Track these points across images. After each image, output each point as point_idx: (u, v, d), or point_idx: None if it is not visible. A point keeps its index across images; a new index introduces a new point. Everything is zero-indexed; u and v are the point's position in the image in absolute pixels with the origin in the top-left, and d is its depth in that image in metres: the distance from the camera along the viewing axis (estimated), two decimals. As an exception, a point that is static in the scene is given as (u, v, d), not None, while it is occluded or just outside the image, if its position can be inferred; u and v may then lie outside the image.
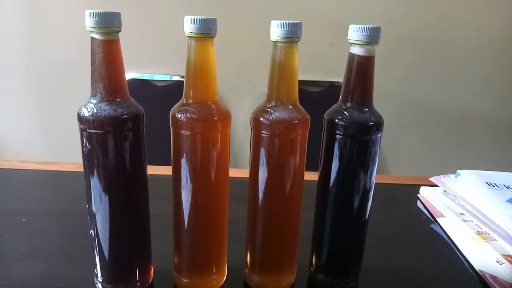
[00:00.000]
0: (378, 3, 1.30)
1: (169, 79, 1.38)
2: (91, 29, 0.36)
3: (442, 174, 0.72)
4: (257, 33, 1.34)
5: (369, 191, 0.43)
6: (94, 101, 0.38)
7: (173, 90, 1.40)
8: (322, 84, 1.38)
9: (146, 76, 1.38)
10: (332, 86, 1.38)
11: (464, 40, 1.35)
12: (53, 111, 1.44)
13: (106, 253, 0.43)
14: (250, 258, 0.47)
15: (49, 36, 1.35)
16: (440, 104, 1.43)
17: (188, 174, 0.41)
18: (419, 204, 0.71)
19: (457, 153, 1.48)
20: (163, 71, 1.38)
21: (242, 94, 1.39)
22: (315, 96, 1.34)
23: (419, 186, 0.74)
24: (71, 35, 1.33)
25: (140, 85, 1.37)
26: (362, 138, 0.40)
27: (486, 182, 0.65)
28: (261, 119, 0.40)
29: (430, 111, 1.44)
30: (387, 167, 1.49)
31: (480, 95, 1.41)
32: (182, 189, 0.42)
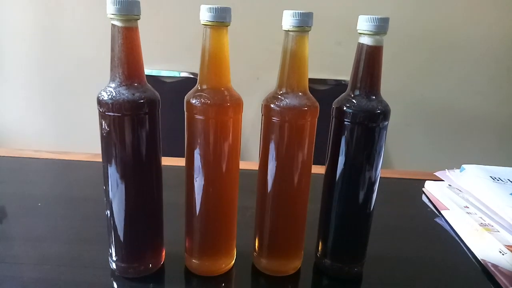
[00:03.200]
0: (386, 3, 1.32)
1: (178, 75, 1.40)
2: (112, 16, 0.38)
3: (447, 169, 0.73)
4: (266, 31, 1.36)
5: (375, 178, 0.45)
6: (113, 85, 0.40)
7: (182, 86, 1.42)
8: (329, 83, 1.40)
9: (154, 72, 1.40)
10: (339, 85, 1.40)
11: (471, 41, 1.36)
12: (65, 102, 1.47)
13: (120, 233, 0.44)
14: (259, 242, 0.49)
15: (62, 29, 1.38)
16: (446, 105, 1.44)
17: (200, 157, 0.42)
18: (424, 197, 0.72)
19: (462, 153, 1.49)
20: (172, 67, 1.40)
21: (250, 91, 1.40)
22: (322, 94, 1.35)
23: (424, 180, 0.75)
24: (84, 27, 1.35)
25: (149, 81, 1.37)
26: (369, 125, 0.42)
27: (491, 176, 0.66)
28: (271, 105, 0.42)
29: (436, 111, 1.45)
30: (393, 164, 1.49)
31: (487, 95, 1.42)
32: (194, 173, 0.43)
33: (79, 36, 1.37)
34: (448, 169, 0.73)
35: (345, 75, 1.38)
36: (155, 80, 1.40)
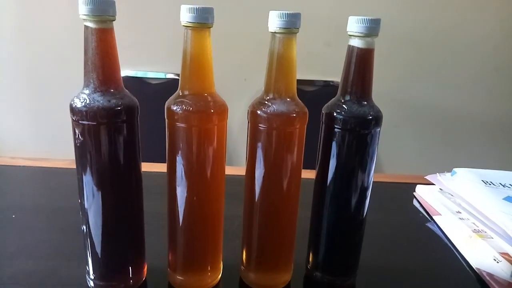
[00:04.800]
0: (374, 3, 1.31)
1: (164, 77, 1.37)
2: (84, 17, 0.35)
3: (438, 173, 0.71)
4: (252, 32, 1.34)
5: (367, 187, 0.43)
6: (87, 91, 0.37)
7: (168, 88, 1.39)
8: (318, 84, 1.38)
9: (139, 74, 1.37)
10: (328, 86, 1.38)
11: (458, 40, 1.36)
12: (44, 106, 1.42)
13: (98, 249, 0.41)
14: (246, 255, 0.46)
15: (40, 29, 1.33)
16: (435, 104, 1.44)
17: (183, 168, 0.40)
18: (415, 202, 0.71)
19: (451, 153, 1.49)
20: (157, 68, 1.37)
21: (237, 92, 1.38)
22: (311, 95, 1.34)
23: (415, 184, 0.74)
24: (62, 28, 1.31)
25: (134, 82, 1.36)
26: (361, 132, 0.40)
27: (483, 180, 0.65)
28: (258, 112, 0.39)
29: (424, 111, 1.45)
30: (382, 167, 1.49)
31: (475, 95, 1.42)
32: (177, 184, 0.41)
33: (57, 37, 1.33)
34: (439, 173, 0.71)
35: (334, 76, 1.37)
36: (140, 81, 1.37)
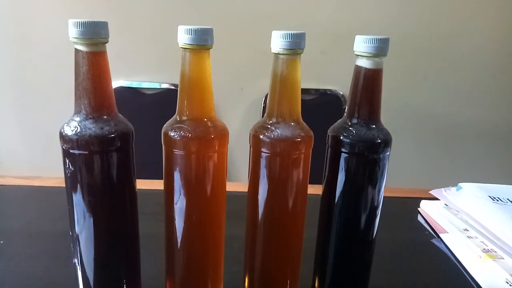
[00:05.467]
0: (370, 11, 1.29)
1: (158, 87, 1.35)
2: (75, 40, 0.33)
3: (443, 188, 0.69)
4: (249, 41, 1.32)
5: (376, 210, 0.41)
6: (78, 118, 0.34)
7: (163, 98, 1.37)
8: (315, 92, 1.36)
9: (134, 84, 1.34)
10: (325, 94, 1.36)
11: (457, 48, 1.35)
12: (37, 120, 1.39)
13: (91, 281, 0.39)
14: (249, 282, 0.44)
15: (34, 42, 1.31)
16: (433, 112, 1.42)
17: (181, 196, 0.37)
18: (420, 218, 0.69)
19: (451, 161, 1.47)
20: (152, 78, 1.34)
21: (233, 102, 1.36)
22: (308, 104, 1.32)
23: (419, 199, 0.72)
24: (56, 42, 1.28)
25: (129, 93, 1.33)
26: (370, 156, 0.38)
27: (490, 196, 0.63)
28: (261, 136, 0.37)
29: (422, 119, 1.43)
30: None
31: (474, 102, 1.41)
32: (174, 212, 0.38)
33: (52, 50, 1.30)
34: (444, 188, 0.69)
35: (330, 85, 1.35)
36: (135, 92, 1.34)
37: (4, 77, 1.35)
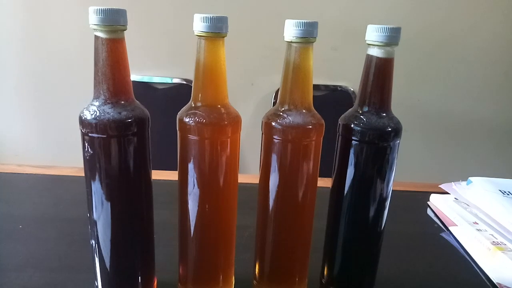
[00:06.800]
0: (382, 7, 1.29)
1: (170, 82, 1.36)
2: (95, 26, 0.34)
3: (453, 182, 0.69)
4: (260, 36, 1.33)
5: (385, 199, 0.41)
6: (97, 103, 0.36)
7: (174, 93, 1.38)
8: (325, 88, 1.37)
9: (146, 79, 1.36)
10: (335, 91, 1.37)
11: (469, 45, 1.34)
12: (53, 111, 1.42)
13: (107, 263, 0.40)
14: (259, 268, 0.45)
15: (49, 34, 1.33)
16: (444, 110, 1.42)
17: (195, 181, 0.38)
18: (429, 212, 0.69)
19: (461, 157, 1.46)
20: (164, 73, 1.36)
21: (244, 97, 1.37)
22: (318, 100, 1.32)
23: (428, 193, 0.72)
24: (71, 33, 1.31)
25: (140, 87, 1.35)
26: (380, 144, 0.38)
27: (500, 190, 0.63)
28: (273, 123, 0.38)
29: (433, 116, 1.43)
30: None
31: (485, 100, 1.40)
32: (188, 197, 0.39)
33: (67, 41, 1.32)
34: (454, 182, 0.69)
35: (341, 81, 1.35)
36: (147, 87, 1.36)
37: (20, 71, 1.38)
